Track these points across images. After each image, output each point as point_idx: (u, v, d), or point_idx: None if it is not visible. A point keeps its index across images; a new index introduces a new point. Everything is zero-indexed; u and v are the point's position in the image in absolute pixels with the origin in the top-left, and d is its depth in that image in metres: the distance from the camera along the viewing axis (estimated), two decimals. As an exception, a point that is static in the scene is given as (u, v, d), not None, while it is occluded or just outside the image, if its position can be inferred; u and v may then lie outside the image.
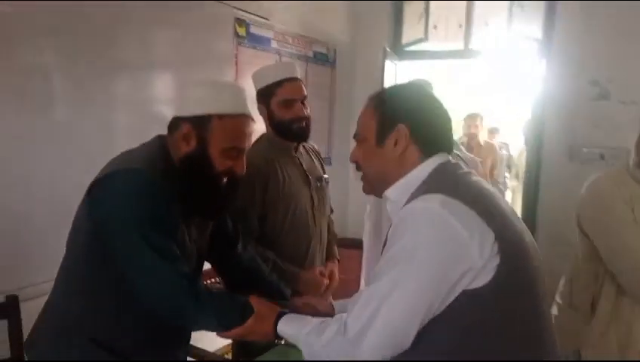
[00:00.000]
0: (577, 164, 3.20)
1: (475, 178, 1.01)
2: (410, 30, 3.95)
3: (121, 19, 2.07)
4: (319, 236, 1.85)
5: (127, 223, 1.06)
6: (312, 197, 1.81)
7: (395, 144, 1.02)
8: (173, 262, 1.09)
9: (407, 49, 3.97)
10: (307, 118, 1.74)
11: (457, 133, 4.93)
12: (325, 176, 1.92)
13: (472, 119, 4.94)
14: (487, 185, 1.02)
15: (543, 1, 3.38)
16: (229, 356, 2.04)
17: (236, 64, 2.65)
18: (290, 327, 1.07)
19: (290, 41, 3.13)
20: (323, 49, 3.51)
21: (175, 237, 1.13)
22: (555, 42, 3.35)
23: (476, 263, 0.85)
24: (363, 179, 1.13)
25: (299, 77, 1.76)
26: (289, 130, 1.72)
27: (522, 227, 0.99)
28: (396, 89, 1.12)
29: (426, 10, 3.83)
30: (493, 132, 7.05)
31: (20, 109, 1.75)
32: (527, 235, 0.99)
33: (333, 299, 1.71)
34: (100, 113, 2.02)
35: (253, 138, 1.31)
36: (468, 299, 0.86)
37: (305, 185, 1.80)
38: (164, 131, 1.22)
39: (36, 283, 1.64)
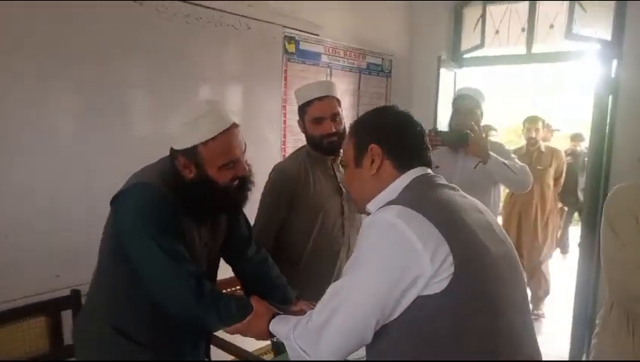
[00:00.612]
0: (651, 175, 2.98)
1: (450, 192, 1.07)
2: (469, 37, 3.90)
3: (190, 35, 2.32)
4: (347, 245, 1.95)
5: (139, 230, 1.24)
6: (342, 206, 1.92)
7: (372, 163, 1.11)
8: (182, 263, 1.24)
9: (466, 56, 3.92)
10: (337, 134, 1.83)
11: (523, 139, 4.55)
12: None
13: (531, 122, 4.20)
14: (463, 199, 1.07)
15: (608, 2, 3.19)
16: (269, 356, 2.14)
17: (285, 79, 2.81)
18: (279, 325, 1.20)
19: (342, 54, 3.22)
20: (377, 60, 3.57)
21: (184, 242, 1.29)
22: (625, 43, 3.15)
23: (426, 271, 0.91)
24: (353, 201, 1.24)
25: (333, 94, 1.87)
26: (320, 146, 1.86)
27: (493, 241, 1.01)
28: (367, 114, 1.20)
29: (483, 16, 3.77)
30: (576, 139, 6.41)
31: (98, 121, 2.02)
32: (496, 248, 1.00)
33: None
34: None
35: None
36: (422, 305, 0.92)
37: (337, 196, 1.91)
38: None
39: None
